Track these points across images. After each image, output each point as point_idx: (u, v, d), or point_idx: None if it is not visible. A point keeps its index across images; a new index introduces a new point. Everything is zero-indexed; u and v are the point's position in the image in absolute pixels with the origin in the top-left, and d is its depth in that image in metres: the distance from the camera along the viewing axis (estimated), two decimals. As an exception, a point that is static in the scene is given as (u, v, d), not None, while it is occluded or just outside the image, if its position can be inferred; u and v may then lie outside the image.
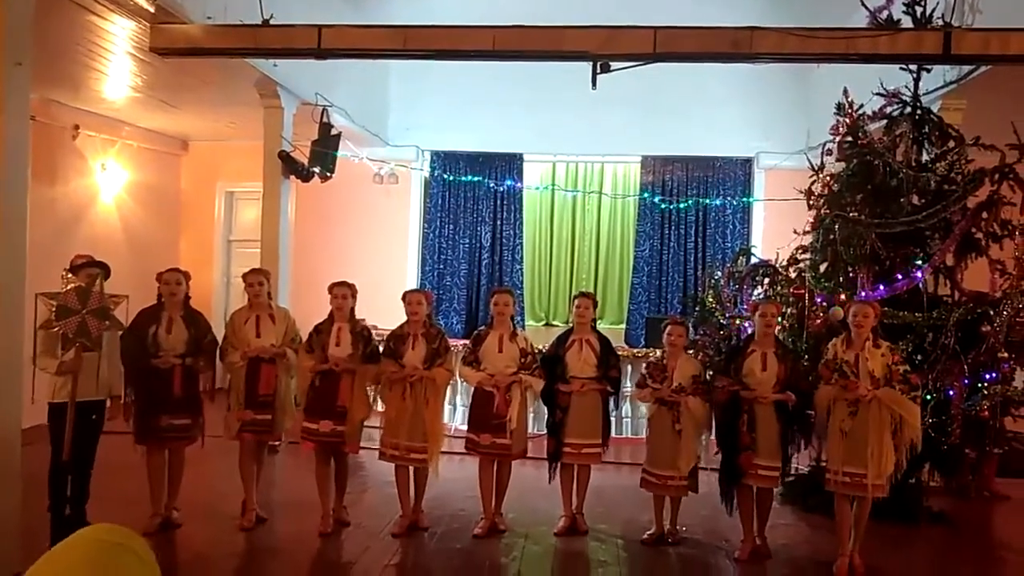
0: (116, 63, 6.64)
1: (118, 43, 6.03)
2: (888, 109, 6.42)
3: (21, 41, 4.32)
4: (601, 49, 5.06)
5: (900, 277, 5.90)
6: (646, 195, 10.96)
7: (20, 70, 4.29)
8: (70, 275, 4.85)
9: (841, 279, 6.19)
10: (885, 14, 5.98)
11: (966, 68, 5.92)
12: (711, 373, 5.45)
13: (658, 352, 6.00)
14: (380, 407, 5.54)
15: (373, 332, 5.57)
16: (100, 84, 7.36)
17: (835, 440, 4.85)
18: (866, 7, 6.14)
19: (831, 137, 6.52)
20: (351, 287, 5.38)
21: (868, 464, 4.67)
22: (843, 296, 5.88)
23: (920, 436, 4.77)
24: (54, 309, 4.58)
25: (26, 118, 4.48)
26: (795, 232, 6.67)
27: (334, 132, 8.17)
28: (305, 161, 7.94)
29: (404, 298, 5.44)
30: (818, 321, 5.92)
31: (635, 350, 8.64)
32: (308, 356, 5.24)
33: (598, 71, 5.14)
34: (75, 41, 5.99)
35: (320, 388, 5.21)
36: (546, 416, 5.61)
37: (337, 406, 5.18)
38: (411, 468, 5.34)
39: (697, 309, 7.05)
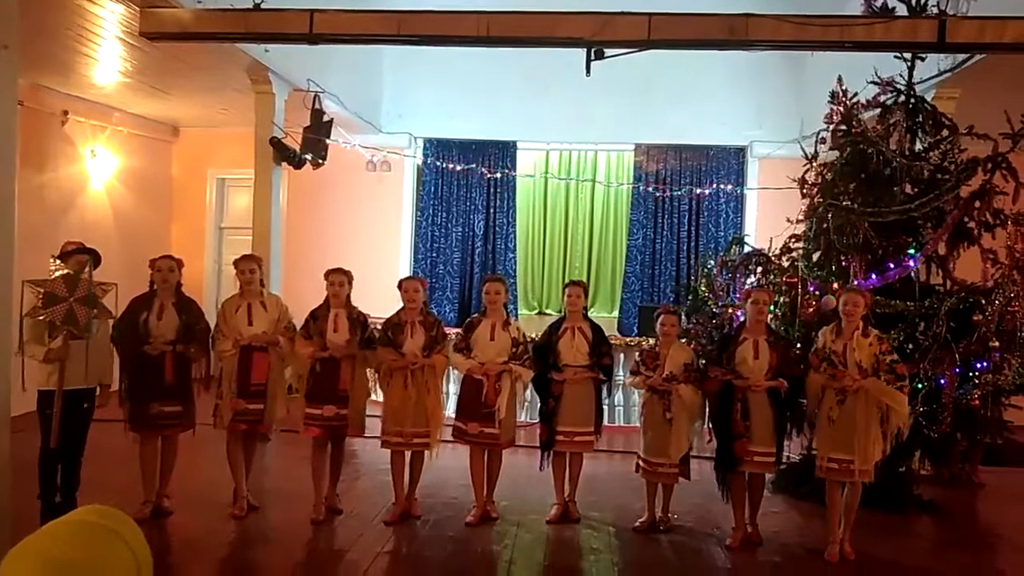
0: (106, 48, 6.57)
1: (107, 27, 5.96)
2: (882, 97, 6.41)
3: (8, 24, 4.26)
4: (595, 35, 5.03)
5: (892, 266, 5.91)
6: (639, 183, 10.95)
7: (7, 54, 4.23)
8: (58, 262, 4.81)
9: (834, 268, 6.20)
10: (880, 2, 5.95)
11: (960, 56, 5.91)
12: (703, 362, 5.46)
13: (651, 341, 6.00)
14: (377, 396, 5.52)
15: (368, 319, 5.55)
16: (89, 69, 7.28)
17: (824, 427, 4.93)
18: (861, -5, 6.12)
19: (825, 125, 6.51)
20: (347, 274, 5.37)
21: (855, 451, 4.72)
22: (836, 285, 5.89)
23: (907, 423, 4.84)
24: (41, 296, 4.54)
25: (14, 103, 4.43)
26: (788, 221, 6.67)
27: (326, 119, 8.11)
28: (297, 148, 7.89)
29: (401, 285, 5.42)
30: (811, 310, 5.93)
31: (628, 339, 8.65)
32: (307, 343, 5.24)
33: (592, 58, 5.11)
34: (64, 25, 5.91)
35: (321, 374, 5.21)
36: (538, 404, 5.61)
37: (339, 390, 5.20)
38: (407, 456, 5.34)
39: (690, 298, 7.06)
